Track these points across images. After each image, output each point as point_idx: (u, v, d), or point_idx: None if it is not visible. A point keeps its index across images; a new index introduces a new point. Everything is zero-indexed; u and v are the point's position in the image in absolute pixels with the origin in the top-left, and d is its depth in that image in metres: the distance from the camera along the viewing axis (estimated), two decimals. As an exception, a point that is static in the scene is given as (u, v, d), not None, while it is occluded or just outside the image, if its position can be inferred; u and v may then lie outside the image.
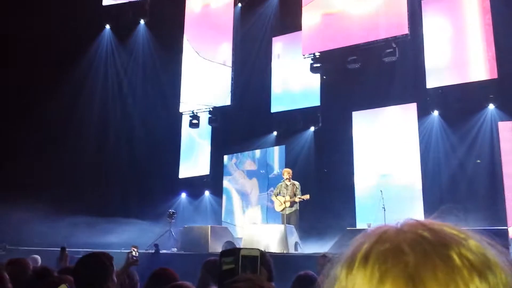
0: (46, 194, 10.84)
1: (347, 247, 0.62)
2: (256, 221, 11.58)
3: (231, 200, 12.55)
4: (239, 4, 13.13)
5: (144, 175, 12.50)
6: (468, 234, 0.59)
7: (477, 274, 0.55)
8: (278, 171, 11.53)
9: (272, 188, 10.70)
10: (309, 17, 11.56)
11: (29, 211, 9.67)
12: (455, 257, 0.55)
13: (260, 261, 1.63)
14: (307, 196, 8.88)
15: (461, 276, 0.54)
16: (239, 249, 1.64)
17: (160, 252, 8.27)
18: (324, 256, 4.82)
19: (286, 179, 9.15)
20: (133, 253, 3.88)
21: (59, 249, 7.50)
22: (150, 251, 8.52)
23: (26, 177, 11.12)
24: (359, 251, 0.60)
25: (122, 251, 8.23)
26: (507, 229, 7.65)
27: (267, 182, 11.96)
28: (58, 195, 11.05)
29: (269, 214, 11.29)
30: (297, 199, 8.94)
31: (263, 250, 3.15)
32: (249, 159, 12.58)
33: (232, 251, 1.66)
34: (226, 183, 12.71)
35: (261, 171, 12.28)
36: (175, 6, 13.38)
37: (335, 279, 0.61)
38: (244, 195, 12.41)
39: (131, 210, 10.87)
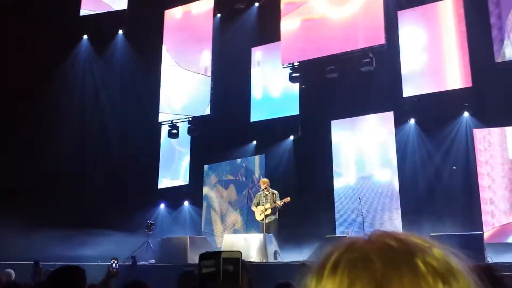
0: (21, 206, 10.62)
1: (318, 257, 0.64)
2: (236, 227, 11.54)
3: (210, 210, 12.46)
4: (219, 14, 13.17)
5: (122, 186, 12.33)
6: (432, 243, 0.62)
7: (441, 281, 0.57)
8: (258, 177, 11.52)
9: (250, 186, 10.69)
10: (288, 27, 11.65)
11: (2, 223, 9.43)
12: (420, 264, 0.58)
13: (241, 263, 1.59)
14: (287, 199, 8.92)
15: (426, 282, 0.56)
16: (220, 252, 1.60)
17: (138, 264, 8.14)
18: (303, 264, 4.80)
19: (265, 188, 9.16)
20: (114, 265, 3.87)
21: (32, 262, 7.34)
22: (128, 263, 8.39)
23: (-1, 189, 10.88)
24: (329, 261, 0.62)
25: (99, 263, 8.09)
26: (482, 234, 7.77)
27: (244, 185, 11.94)
28: (33, 207, 10.82)
29: (250, 216, 11.29)
30: (279, 204, 8.94)
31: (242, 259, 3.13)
32: (228, 174, 12.51)
33: (212, 254, 1.62)
34: (206, 191, 12.62)
35: (237, 178, 12.23)
36: (154, 16, 13.34)
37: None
38: (222, 217, 12.36)
39: (108, 222, 10.69)
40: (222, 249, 8.50)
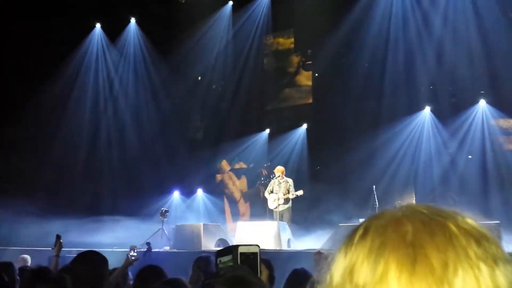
0: (37, 193, 10.76)
1: (340, 241, 0.63)
2: (245, 218, 11.61)
3: (223, 197, 12.54)
4: (230, 2, 13.09)
5: (136, 174, 12.43)
6: (463, 213, 0.61)
7: (474, 240, 0.56)
8: (268, 164, 11.52)
9: (261, 180, 10.71)
10: (301, 14, 11.54)
11: (19, 210, 9.57)
12: (452, 226, 0.57)
13: (259, 257, 1.54)
14: (300, 192, 8.90)
15: (459, 242, 0.55)
16: (237, 246, 1.54)
17: (152, 250, 8.22)
18: (319, 252, 4.80)
19: (279, 176, 9.13)
20: (132, 252, 3.99)
21: (49, 248, 7.44)
22: (142, 249, 8.47)
23: (16, 176, 11.03)
24: (358, 229, 0.61)
25: (114, 250, 8.18)
26: (498, 223, 7.68)
27: (255, 175, 11.97)
28: (49, 194, 10.97)
29: (256, 208, 11.36)
30: (291, 196, 8.94)
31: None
32: (240, 161, 12.55)
33: (229, 249, 1.57)
34: (219, 178, 12.70)
35: (250, 165, 12.24)
36: (166, 4, 13.31)
37: (333, 262, 0.61)
38: (232, 203, 12.41)
39: (123, 209, 10.79)
40: (235, 237, 8.56)
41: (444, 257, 0.54)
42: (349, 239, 0.61)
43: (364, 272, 0.56)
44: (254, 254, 1.49)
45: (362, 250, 0.58)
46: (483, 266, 0.54)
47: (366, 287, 0.55)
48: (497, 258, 0.56)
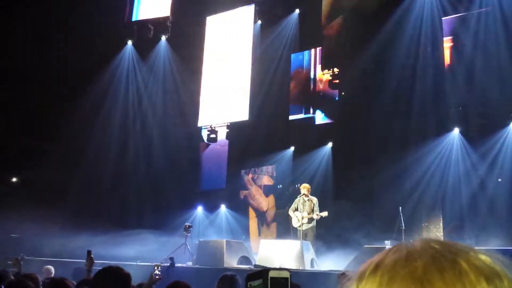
0: (64, 205, 10.98)
1: (358, 266, 0.65)
2: (271, 239, 11.51)
3: (247, 216, 12.51)
4: (259, 21, 13.25)
5: (161, 188, 12.58)
6: (477, 249, 0.61)
7: (484, 279, 0.56)
8: (297, 186, 11.46)
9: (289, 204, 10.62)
10: (329, 33, 11.59)
11: (46, 222, 9.77)
12: (463, 262, 0.57)
13: (290, 282, 1.54)
14: (325, 213, 8.77)
15: (469, 279, 0.55)
16: (267, 270, 1.55)
17: (175, 265, 8.24)
18: (343, 274, 4.73)
19: (304, 194, 9.06)
20: (156, 271, 4.03)
21: (75, 260, 7.56)
22: (166, 264, 8.51)
23: (44, 188, 11.28)
24: (371, 263, 0.62)
25: (138, 263, 8.25)
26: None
27: (285, 198, 11.90)
28: (76, 207, 11.18)
29: (282, 230, 11.29)
30: (315, 216, 8.84)
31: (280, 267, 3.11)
32: (267, 175, 12.56)
33: (259, 274, 1.57)
34: (243, 195, 12.71)
35: (279, 186, 12.22)
36: (196, 23, 13.57)
37: None
38: (260, 214, 12.36)
39: (148, 223, 10.91)
40: (258, 255, 8.50)
41: None
42: (361, 274, 0.62)
43: None
44: (285, 279, 1.49)
45: (372, 285, 0.59)
46: None
47: None
48: None
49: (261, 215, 12.30)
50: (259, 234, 12.09)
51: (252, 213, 12.48)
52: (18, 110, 11.92)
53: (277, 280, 1.49)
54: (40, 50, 12.00)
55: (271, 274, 1.49)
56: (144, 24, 13.87)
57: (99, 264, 6.66)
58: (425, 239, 0.63)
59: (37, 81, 12.10)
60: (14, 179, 13.63)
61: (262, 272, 1.51)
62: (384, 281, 0.58)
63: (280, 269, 1.54)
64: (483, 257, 0.59)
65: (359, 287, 0.61)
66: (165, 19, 13.72)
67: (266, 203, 12.31)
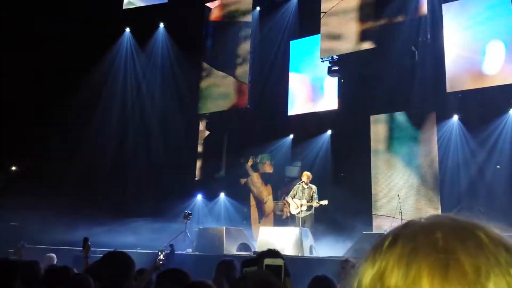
0: (64, 193, 10.99)
1: (364, 251, 0.64)
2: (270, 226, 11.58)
3: (248, 203, 12.56)
4: (258, 8, 13.16)
5: (161, 176, 12.59)
6: (488, 224, 0.61)
7: (504, 248, 0.57)
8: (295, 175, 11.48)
9: (285, 196, 10.65)
10: (328, 20, 11.52)
11: (46, 210, 9.80)
12: (481, 234, 0.58)
13: (284, 270, 1.57)
14: (325, 202, 8.80)
15: (489, 249, 0.56)
16: (262, 258, 1.58)
17: (175, 252, 8.29)
18: (347, 260, 4.76)
19: (304, 182, 9.08)
20: (160, 256, 4.02)
21: (75, 248, 7.59)
22: (166, 251, 8.54)
23: (44, 177, 11.29)
24: (387, 238, 0.62)
25: (138, 251, 8.30)
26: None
27: (281, 190, 11.95)
28: (76, 195, 11.19)
29: (277, 222, 11.40)
30: (315, 204, 8.87)
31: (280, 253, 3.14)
32: (267, 161, 12.56)
33: (255, 261, 1.61)
34: (243, 182, 12.74)
35: (275, 169, 12.19)
36: (194, 10, 13.47)
37: (361, 269, 0.62)
38: (259, 203, 12.39)
39: (147, 211, 10.94)
40: (257, 242, 8.55)
41: (476, 262, 0.55)
42: (377, 247, 0.62)
43: (395, 277, 0.57)
44: (279, 266, 1.51)
45: (392, 256, 0.59)
46: None
47: None
48: None
49: (259, 204, 12.34)
50: (259, 221, 12.14)
51: (252, 200, 12.52)
52: (16, 99, 11.87)
53: (272, 267, 1.51)
54: (37, 38, 11.92)
55: (266, 261, 1.52)
56: (142, 11, 13.77)
57: (99, 251, 6.70)
58: (438, 214, 0.63)
59: (36, 70, 12.04)
60: (13, 168, 13.64)
61: (258, 260, 1.54)
62: (406, 252, 0.58)
63: (275, 256, 1.56)
64: (497, 231, 0.60)
65: (377, 261, 0.60)
66: (163, 5, 13.61)
67: (266, 192, 12.34)
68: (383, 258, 0.59)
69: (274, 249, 3.19)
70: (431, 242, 0.57)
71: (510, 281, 0.55)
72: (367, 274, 0.60)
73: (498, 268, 0.55)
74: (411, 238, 0.59)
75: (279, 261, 1.57)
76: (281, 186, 12.02)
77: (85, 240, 4.52)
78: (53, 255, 6.64)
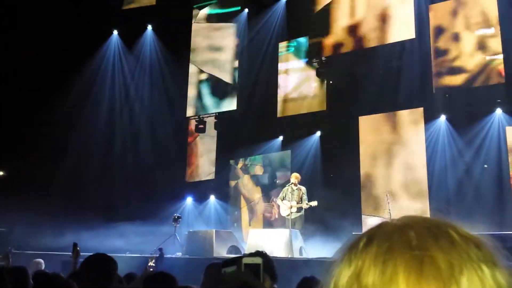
0: (51, 197, 10.88)
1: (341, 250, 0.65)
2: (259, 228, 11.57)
3: (238, 205, 12.53)
4: (246, 10, 13.16)
5: (149, 179, 12.52)
6: (458, 224, 0.64)
7: (474, 245, 0.60)
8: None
9: (274, 199, 10.64)
10: (316, 22, 11.56)
11: (33, 214, 9.69)
12: (453, 232, 0.61)
13: (263, 268, 1.59)
14: (315, 203, 8.82)
15: (461, 246, 0.59)
16: (241, 257, 1.61)
17: (165, 256, 8.25)
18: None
19: (293, 183, 9.09)
20: (151, 263, 4.02)
21: (63, 253, 7.51)
22: (155, 255, 8.50)
23: (31, 181, 11.17)
24: (362, 237, 0.64)
25: (127, 255, 8.24)
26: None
27: (271, 192, 11.94)
28: (63, 198, 11.09)
29: (266, 224, 11.39)
30: (305, 205, 8.88)
31: (266, 254, 3.14)
32: (259, 164, 12.53)
33: (233, 261, 1.63)
34: (233, 184, 12.70)
35: (275, 180, 12.14)
36: (183, 12, 13.44)
37: (337, 270, 0.63)
38: (250, 206, 12.37)
39: (136, 215, 10.87)
40: (247, 244, 8.54)
41: (449, 258, 0.57)
42: (353, 247, 0.63)
43: (372, 275, 0.58)
44: (258, 265, 1.54)
45: (368, 255, 0.60)
46: (484, 268, 0.58)
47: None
48: (495, 261, 0.60)
49: (250, 207, 12.32)
50: (250, 224, 12.12)
51: (243, 202, 12.50)
52: (2, 100, 11.72)
53: (251, 266, 1.54)
54: (22, 41, 11.80)
55: (245, 260, 1.54)
56: (129, 12, 13.70)
57: (87, 256, 6.64)
58: (409, 215, 0.65)
59: (21, 72, 11.91)
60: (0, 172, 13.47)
61: (236, 260, 1.56)
62: (382, 251, 0.59)
63: (253, 256, 1.58)
64: (466, 230, 0.62)
65: (353, 260, 0.61)
66: (151, 7, 13.56)
67: (257, 194, 12.32)
68: (359, 257, 0.61)
69: (263, 251, 3.20)
70: (405, 240, 0.59)
71: (481, 275, 0.57)
72: (343, 274, 0.61)
73: (470, 263, 0.57)
74: (387, 238, 0.60)
75: (257, 260, 1.60)
76: (272, 188, 11.99)
77: (75, 245, 4.51)
78: (41, 260, 6.57)
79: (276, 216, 10.18)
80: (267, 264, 2.98)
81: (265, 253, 3.12)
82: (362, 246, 0.62)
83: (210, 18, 13.56)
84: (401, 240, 0.59)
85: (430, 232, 0.60)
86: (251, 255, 1.62)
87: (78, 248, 4.47)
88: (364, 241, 0.62)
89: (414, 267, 0.56)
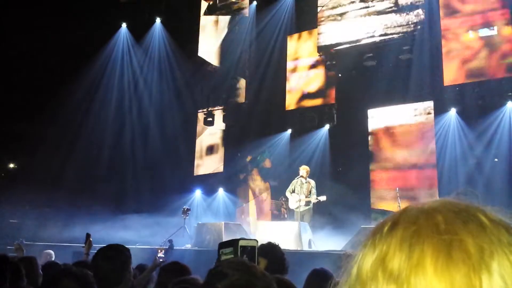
0: (61, 190, 10.98)
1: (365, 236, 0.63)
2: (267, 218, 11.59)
3: (247, 198, 12.55)
4: (254, 2, 13.11)
5: (159, 172, 12.58)
6: (487, 207, 0.62)
7: (504, 229, 0.58)
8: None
9: (283, 197, 10.63)
10: (325, 15, 11.49)
11: (44, 206, 9.79)
12: (481, 216, 0.58)
13: (258, 251, 1.68)
14: (324, 198, 8.80)
15: (491, 230, 0.57)
16: (238, 239, 1.68)
17: (174, 248, 8.30)
18: (350, 255, 4.76)
19: (302, 176, 9.07)
20: (160, 254, 4.03)
21: (73, 244, 7.59)
22: (164, 247, 8.55)
23: (42, 173, 11.27)
24: (386, 222, 0.62)
25: (137, 246, 8.30)
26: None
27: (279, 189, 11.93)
28: (73, 191, 11.18)
29: (274, 219, 11.40)
30: (313, 200, 8.87)
31: (279, 246, 3.16)
32: (268, 159, 12.52)
33: (230, 242, 1.71)
34: (242, 177, 12.72)
35: (273, 164, 12.13)
36: (191, 4, 13.42)
37: (360, 255, 0.61)
38: (258, 199, 12.38)
39: (145, 207, 10.95)
40: (256, 236, 8.56)
41: (479, 242, 0.55)
42: (377, 232, 0.61)
43: (398, 260, 0.57)
44: (253, 247, 1.61)
45: (394, 239, 0.58)
46: None
47: (401, 273, 0.56)
48: None
49: (258, 200, 12.33)
50: (258, 217, 12.14)
51: (251, 196, 12.52)
52: (13, 96, 11.83)
53: (246, 248, 1.60)
54: (32, 34, 11.85)
55: (241, 243, 1.60)
56: (138, 5, 13.70)
57: (98, 247, 6.70)
58: (436, 199, 0.63)
59: (31, 66, 11.98)
60: (11, 165, 13.62)
61: (233, 241, 1.61)
62: (408, 234, 0.57)
63: (249, 239, 1.64)
64: (495, 213, 0.60)
65: (378, 245, 0.59)
66: (159, 0, 13.55)
67: (264, 189, 12.33)
68: (384, 242, 0.59)
69: (274, 243, 3.21)
70: (433, 224, 0.57)
71: None
72: (367, 259, 0.60)
73: (501, 248, 0.55)
74: (413, 222, 0.59)
75: (253, 242, 1.68)
76: (278, 188, 11.94)
77: (88, 236, 4.48)
78: (51, 251, 6.64)
79: (286, 216, 10.18)
80: (279, 257, 3.01)
81: (278, 246, 3.15)
82: (386, 230, 0.60)
83: (218, 10, 13.52)
84: (428, 224, 0.57)
85: (459, 216, 0.58)
86: (268, 246, 1.68)
87: (90, 239, 4.47)
88: (388, 226, 0.60)
89: (443, 251, 0.55)
